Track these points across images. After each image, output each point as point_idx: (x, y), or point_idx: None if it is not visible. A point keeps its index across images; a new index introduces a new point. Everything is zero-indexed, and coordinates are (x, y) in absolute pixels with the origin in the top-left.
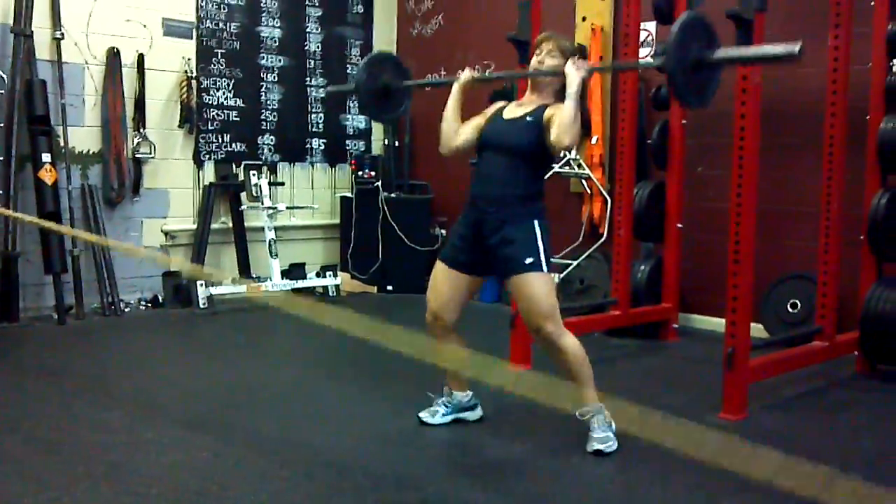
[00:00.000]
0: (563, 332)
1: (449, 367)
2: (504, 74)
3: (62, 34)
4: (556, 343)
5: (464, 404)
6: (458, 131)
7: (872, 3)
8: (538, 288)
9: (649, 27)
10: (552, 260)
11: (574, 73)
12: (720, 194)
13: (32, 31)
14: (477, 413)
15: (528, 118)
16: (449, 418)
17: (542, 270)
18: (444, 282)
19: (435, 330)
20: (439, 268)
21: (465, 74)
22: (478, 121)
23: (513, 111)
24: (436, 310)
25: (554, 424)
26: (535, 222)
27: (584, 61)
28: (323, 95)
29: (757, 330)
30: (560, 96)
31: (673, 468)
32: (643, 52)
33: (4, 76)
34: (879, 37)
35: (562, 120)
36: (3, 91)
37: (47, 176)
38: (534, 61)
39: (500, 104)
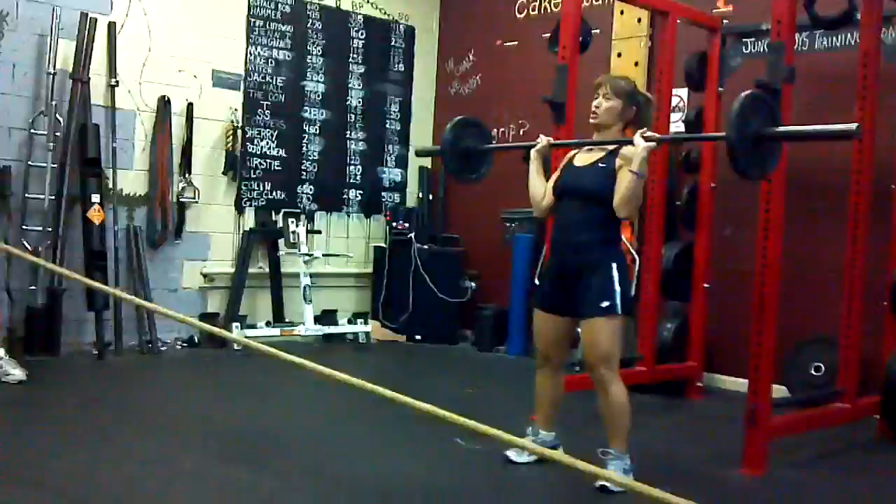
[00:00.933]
0: (617, 378)
1: (545, 405)
2: (576, 143)
3: (117, 82)
4: (606, 385)
5: (548, 444)
6: (544, 193)
7: None
8: (605, 331)
9: (681, 93)
10: (628, 303)
11: (641, 145)
12: (747, 257)
13: (89, 78)
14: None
15: (600, 164)
16: (534, 457)
17: (616, 313)
18: (544, 325)
19: (545, 370)
20: (537, 314)
21: (542, 141)
22: (554, 176)
23: (584, 158)
24: (544, 350)
25: None
26: (614, 266)
27: (652, 133)
28: (362, 148)
29: (780, 391)
30: (624, 133)
31: None
32: (674, 117)
33: (61, 119)
34: None
35: (623, 192)
36: (59, 133)
37: (95, 216)
38: (592, 105)
39: (569, 155)
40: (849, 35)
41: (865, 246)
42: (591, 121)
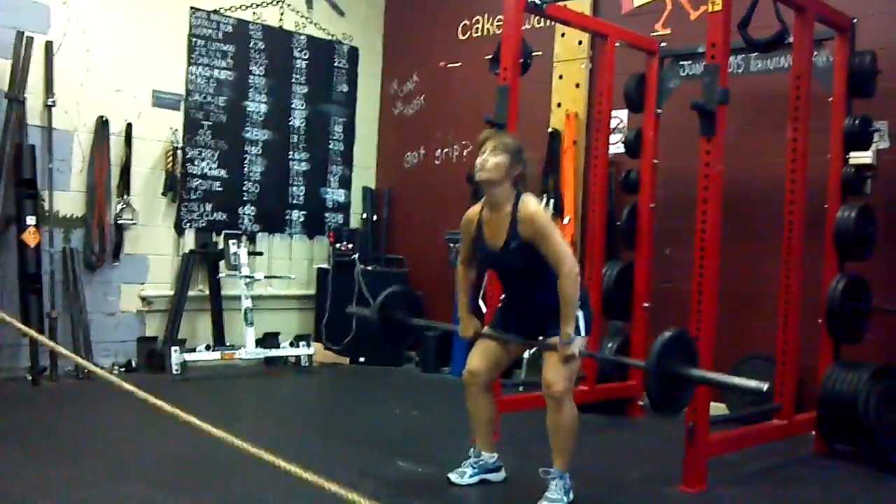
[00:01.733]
0: (571, 399)
1: (482, 425)
2: (500, 337)
3: (54, 101)
4: (561, 404)
5: (489, 466)
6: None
7: (830, 100)
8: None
9: (621, 115)
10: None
11: (571, 350)
12: (685, 276)
13: (25, 98)
14: (501, 475)
15: (511, 245)
16: (476, 479)
17: (577, 335)
18: (485, 343)
19: (472, 388)
20: (484, 332)
21: (468, 331)
22: (466, 239)
23: (491, 231)
24: (474, 368)
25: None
26: (579, 315)
27: (578, 346)
28: (305, 169)
29: (720, 408)
30: (515, 187)
31: None
32: (614, 138)
33: None
34: (837, 130)
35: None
36: None
37: (30, 238)
38: (478, 162)
39: (474, 214)
40: (782, 58)
41: (800, 265)
42: (479, 177)
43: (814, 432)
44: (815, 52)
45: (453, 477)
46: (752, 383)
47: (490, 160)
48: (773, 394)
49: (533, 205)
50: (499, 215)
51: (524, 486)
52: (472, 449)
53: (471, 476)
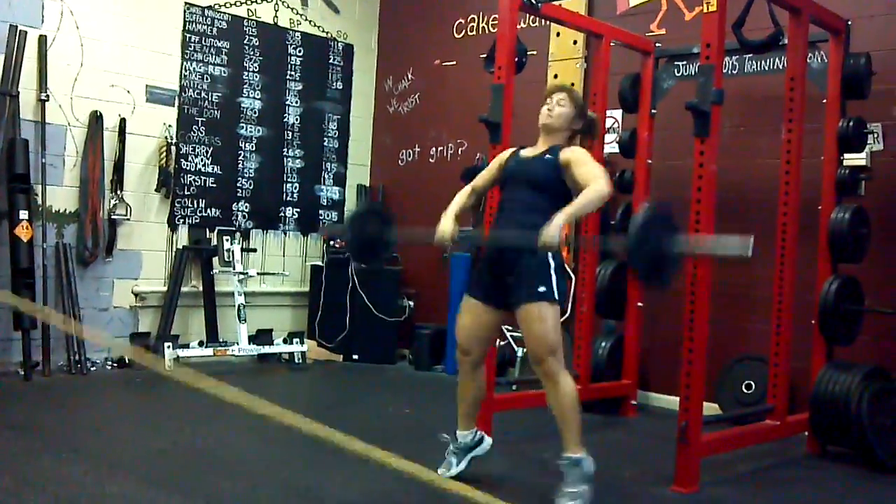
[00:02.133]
0: (564, 370)
1: (465, 404)
2: (475, 241)
3: (47, 96)
4: (555, 378)
5: (470, 443)
6: (468, 194)
7: (824, 101)
8: (547, 319)
9: (616, 115)
10: (563, 296)
11: (549, 238)
12: (680, 276)
13: (19, 92)
14: (486, 444)
15: (546, 155)
16: (464, 464)
17: (552, 300)
18: (471, 315)
19: (464, 365)
20: (464, 303)
21: (445, 233)
22: (495, 164)
23: (529, 151)
24: (465, 344)
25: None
26: (549, 254)
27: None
28: (299, 166)
29: (713, 409)
30: (570, 141)
31: None
32: (609, 138)
33: None
34: (831, 132)
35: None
36: None
37: (23, 233)
38: (544, 109)
39: (512, 149)
40: (776, 59)
41: (794, 266)
42: (543, 121)
43: (806, 433)
44: (810, 54)
45: (441, 472)
46: (738, 247)
47: (557, 109)
48: (766, 394)
49: (578, 148)
50: (544, 145)
51: (518, 485)
52: (450, 436)
53: (457, 464)
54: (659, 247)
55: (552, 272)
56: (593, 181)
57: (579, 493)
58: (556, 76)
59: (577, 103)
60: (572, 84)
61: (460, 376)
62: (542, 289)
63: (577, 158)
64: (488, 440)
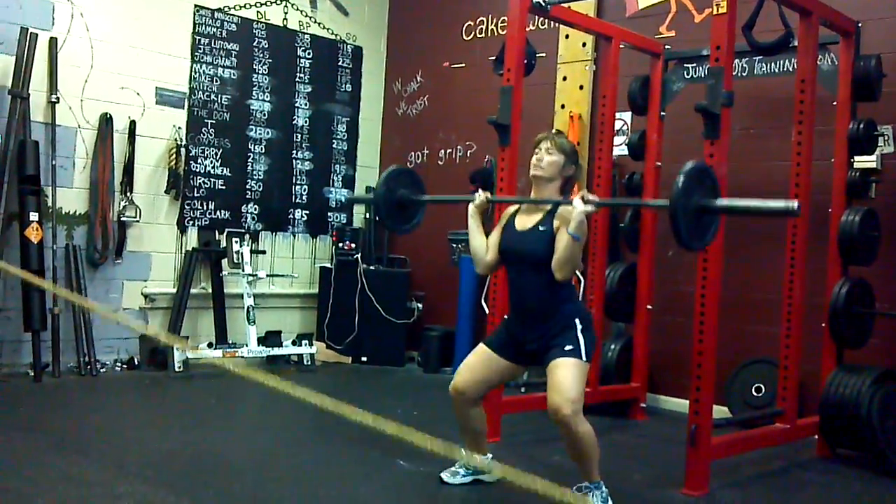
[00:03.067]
0: (582, 419)
1: (468, 437)
2: (516, 199)
3: (58, 98)
4: (572, 428)
5: (482, 469)
6: (486, 248)
7: (835, 103)
8: (571, 372)
9: (625, 117)
10: (590, 355)
11: (579, 208)
12: (689, 278)
13: (29, 94)
14: (494, 476)
15: (540, 227)
16: (468, 479)
17: (580, 357)
18: (479, 361)
19: (457, 402)
20: (481, 348)
21: (480, 196)
22: (496, 233)
23: (523, 220)
24: (459, 385)
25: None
26: (577, 321)
27: (593, 196)
28: (308, 168)
29: (723, 412)
30: (565, 189)
31: None
32: (618, 140)
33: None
34: (841, 134)
35: (560, 255)
36: None
37: (33, 234)
38: (533, 160)
39: (510, 210)
40: (786, 61)
41: (804, 268)
42: (534, 174)
43: (816, 436)
44: (820, 56)
45: (445, 476)
46: (781, 203)
47: (546, 158)
48: (776, 397)
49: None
50: (539, 208)
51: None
52: (464, 450)
53: (463, 476)
54: (700, 204)
55: (579, 334)
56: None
57: None
58: (565, 78)
59: (566, 150)
60: (581, 86)
61: (456, 411)
62: (568, 348)
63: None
64: (496, 475)
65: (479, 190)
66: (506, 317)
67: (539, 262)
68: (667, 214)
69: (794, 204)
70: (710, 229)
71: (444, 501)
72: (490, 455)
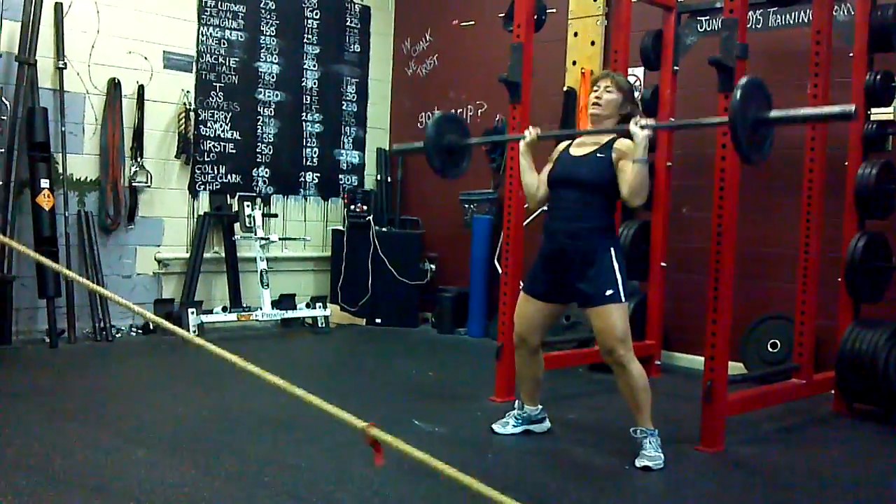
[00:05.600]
0: (633, 357)
1: (526, 385)
2: (565, 133)
3: (65, 64)
4: (625, 365)
5: (533, 417)
6: (538, 184)
7: (851, 55)
8: (616, 317)
9: (637, 72)
10: (628, 293)
11: (640, 133)
12: (703, 235)
13: (36, 61)
14: (545, 426)
15: (598, 154)
16: (519, 429)
17: (620, 301)
18: (529, 310)
19: (521, 351)
20: (522, 297)
21: (531, 133)
22: (548, 166)
23: (579, 148)
24: (522, 333)
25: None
26: (612, 253)
27: (648, 119)
28: (318, 130)
29: (738, 368)
30: (618, 122)
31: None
32: None
33: (7, 103)
34: (858, 86)
35: (632, 183)
36: (5, 117)
37: (45, 201)
38: (591, 97)
39: (562, 145)
40: (802, 12)
41: (820, 223)
42: (592, 111)
43: (833, 392)
44: (836, 6)
45: (496, 427)
46: (838, 108)
47: (605, 96)
48: (792, 353)
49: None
50: (594, 140)
51: (544, 446)
52: (516, 402)
53: (514, 426)
54: (757, 116)
55: (617, 272)
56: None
57: (658, 456)
58: (576, 34)
59: (624, 88)
60: (592, 42)
61: (518, 361)
62: (609, 292)
63: (629, 153)
64: (548, 423)
65: (530, 127)
66: (540, 255)
67: (592, 186)
68: (679, 168)
69: (851, 107)
70: (766, 141)
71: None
72: (540, 407)
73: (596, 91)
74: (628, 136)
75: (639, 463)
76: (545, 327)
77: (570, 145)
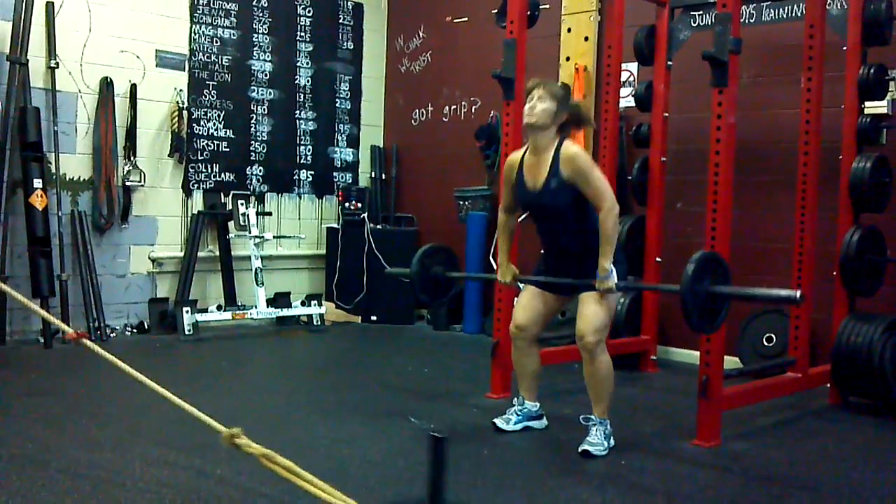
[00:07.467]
0: (604, 349)
1: (525, 379)
2: (536, 279)
3: (57, 63)
4: (593, 354)
5: (533, 413)
6: (507, 219)
7: (845, 48)
8: (600, 306)
9: (631, 68)
10: (624, 281)
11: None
12: (698, 230)
13: (28, 60)
14: (543, 423)
15: (551, 185)
16: (520, 426)
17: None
18: (531, 298)
19: (518, 342)
20: (527, 289)
21: (508, 277)
22: (507, 183)
23: (532, 175)
24: (521, 323)
25: None
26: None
27: (608, 281)
28: (312, 128)
29: (733, 363)
30: (558, 130)
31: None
32: (624, 91)
33: None
34: (851, 80)
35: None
36: None
37: (38, 201)
38: (526, 108)
39: (516, 158)
40: (794, 6)
41: (814, 217)
42: (527, 122)
43: (828, 385)
44: (829, 0)
45: (499, 423)
46: (785, 292)
47: (538, 106)
48: (787, 347)
49: (574, 147)
50: (540, 158)
51: (539, 441)
52: (516, 398)
53: (515, 423)
54: (709, 293)
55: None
56: (601, 203)
57: (601, 444)
58: (569, 30)
59: (557, 96)
60: (586, 38)
61: (516, 353)
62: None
63: (576, 174)
64: (546, 421)
65: (509, 270)
66: (542, 252)
67: (562, 213)
68: (674, 163)
69: (797, 294)
70: (720, 313)
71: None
72: (538, 404)
73: (530, 101)
74: (574, 122)
75: (581, 447)
76: (546, 318)
77: (522, 167)
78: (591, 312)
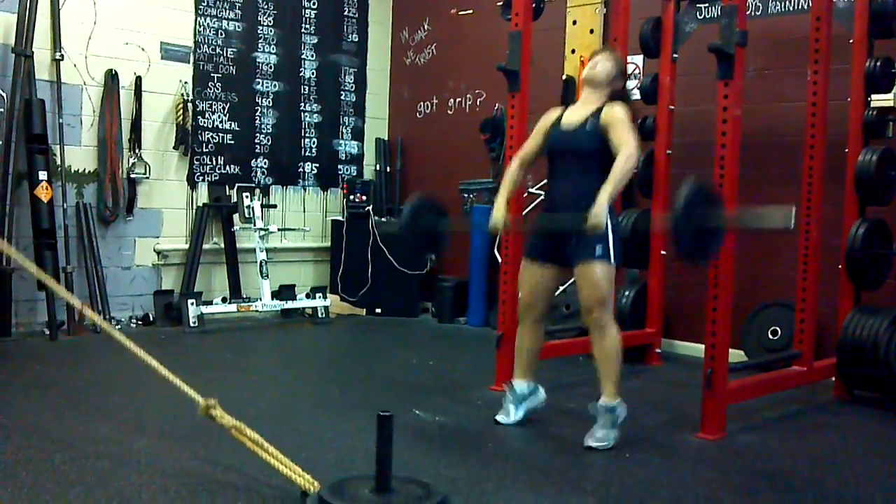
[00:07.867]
0: (612, 321)
1: (524, 356)
2: (530, 229)
3: (62, 55)
4: (604, 327)
5: (525, 393)
6: (517, 168)
7: (851, 41)
8: (601, 275)
9: (636, 60)
10: (618, 256)
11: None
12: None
13: (33, 52)
14: (541, 396)
15: (586, 127)
16: (521, 413)
17: (608, 261)
18: (531, 274)
19: (526, 321)
20: (524, 264)
21: (498, 221)
22: (540, 130)
23: (570, 118)
24: (528, 300)
25: None
26: (608, 225)
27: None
28: (317, 120)
29: (738, 356)
30: (614, 96)
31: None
32: (630, 83)
33: (4, 95)
34: (858, 73)
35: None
36: (2, 109)
37: (43, 193)
38: (589, 63)
39: (556, 110)
40: None
41: (820, 210)
42: (587, 74)
43: (834, 378)
44: None
45: (500, 418)
46: (777, 215)
47: (601, 63)
48: (793, 340)
49: (620, 106)
50: (586, 108)
51: (544, 434)
52: (506, 387)
53: (516, 411)
54: (702, 222)
55: (609, 234)
56: (623, 147)
57: (608, 435)
58: (574, 22)
59: (619, 63)
60: (591, 30)
61: (521, 329)
62: (599, 251)
63: (613, 120)
64: (542, 393)
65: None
66: (542, 211)
67: (584, 155)
68: (679, 156)
69: (791, 220)
70: (713, 243)
71: (462, 450)
72: (528, 381)
73: (594, 58)
74: (620, 97)
75: (585, 441)
76: (550, 291)
77: (562, 115)
78: (594, 281)
